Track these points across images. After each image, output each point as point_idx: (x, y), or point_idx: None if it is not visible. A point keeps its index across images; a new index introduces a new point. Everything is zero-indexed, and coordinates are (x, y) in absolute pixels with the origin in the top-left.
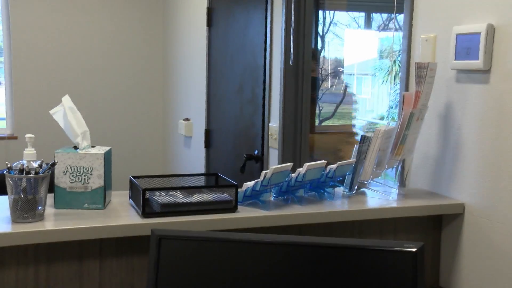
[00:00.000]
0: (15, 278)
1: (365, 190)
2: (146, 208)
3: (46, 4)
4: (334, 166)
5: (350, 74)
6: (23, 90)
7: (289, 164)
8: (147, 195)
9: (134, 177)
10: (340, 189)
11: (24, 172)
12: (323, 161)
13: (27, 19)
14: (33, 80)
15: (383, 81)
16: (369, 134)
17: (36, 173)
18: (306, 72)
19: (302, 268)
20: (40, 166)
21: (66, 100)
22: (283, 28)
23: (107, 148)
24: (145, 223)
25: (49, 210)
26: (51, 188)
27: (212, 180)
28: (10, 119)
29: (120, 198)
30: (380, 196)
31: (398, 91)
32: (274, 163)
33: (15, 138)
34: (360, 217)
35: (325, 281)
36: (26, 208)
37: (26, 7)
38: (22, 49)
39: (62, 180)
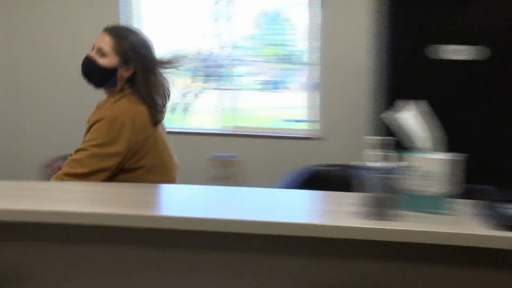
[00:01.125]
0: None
1: None
2: (499, 220)
3: (352, 10)
4: None
5: None
6: (330, 93)
7: None
8: (497, 206)
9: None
10: None
11: (379, 171)
12: None
13: (334, 26)
14: (339, 84)
15: None
16: None
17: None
18: None
19: None
20: (384, 167)
21: (412, 105)
22: None
23: (455, 154)
24: (496, 236)
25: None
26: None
27: None
28: (321, 122)
29: (463, 207)
30: None
31: None
32: None
33: (322, 139)
34: None
35: None
36: (381, 206)
37: (335, 14)
38: (330, 55)
39: (410, 183)
